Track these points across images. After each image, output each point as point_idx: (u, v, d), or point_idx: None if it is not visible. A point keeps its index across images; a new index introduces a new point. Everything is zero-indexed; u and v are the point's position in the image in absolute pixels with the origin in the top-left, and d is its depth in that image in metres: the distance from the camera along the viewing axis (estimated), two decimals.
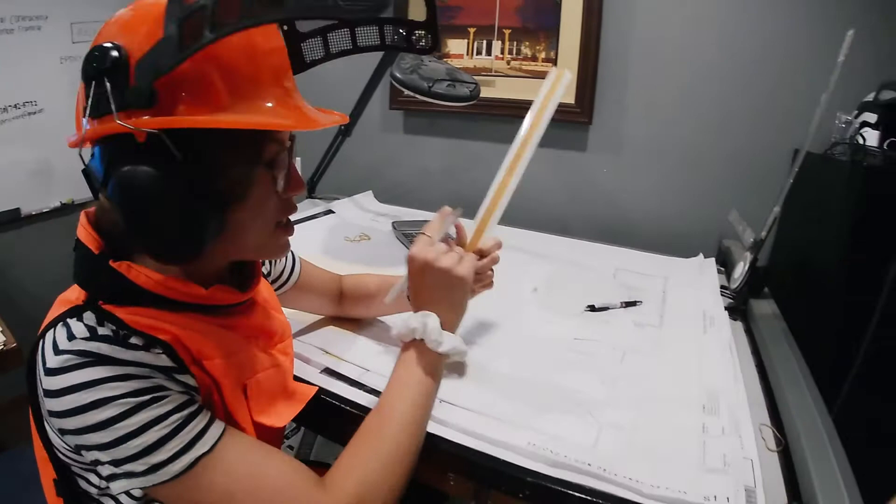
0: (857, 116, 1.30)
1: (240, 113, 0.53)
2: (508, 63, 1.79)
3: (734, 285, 1.25)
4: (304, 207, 1.79)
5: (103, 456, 0.52)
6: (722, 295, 1.25)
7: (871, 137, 1.24)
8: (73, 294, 0.59)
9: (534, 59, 1.75)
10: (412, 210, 1.84)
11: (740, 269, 1.22)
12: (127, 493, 0.58)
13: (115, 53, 0.49)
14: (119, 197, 0.51)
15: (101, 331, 0.53)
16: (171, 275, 0.58)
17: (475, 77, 1.68)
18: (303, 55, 0.63)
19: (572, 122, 1.75)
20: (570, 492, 0.67)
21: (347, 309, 1.02)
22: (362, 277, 1.03)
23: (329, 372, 0.90)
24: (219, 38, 0.46)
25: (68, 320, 0.55)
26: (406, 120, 2.04)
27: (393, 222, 1.62)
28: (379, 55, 1.44)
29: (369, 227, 1.62)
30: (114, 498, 0.60)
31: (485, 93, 1.52)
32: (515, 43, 1.75)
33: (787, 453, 0.78)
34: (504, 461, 0.71)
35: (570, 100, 1.72)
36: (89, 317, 0.55)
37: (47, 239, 2.17)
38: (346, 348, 0.96)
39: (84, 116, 0.51)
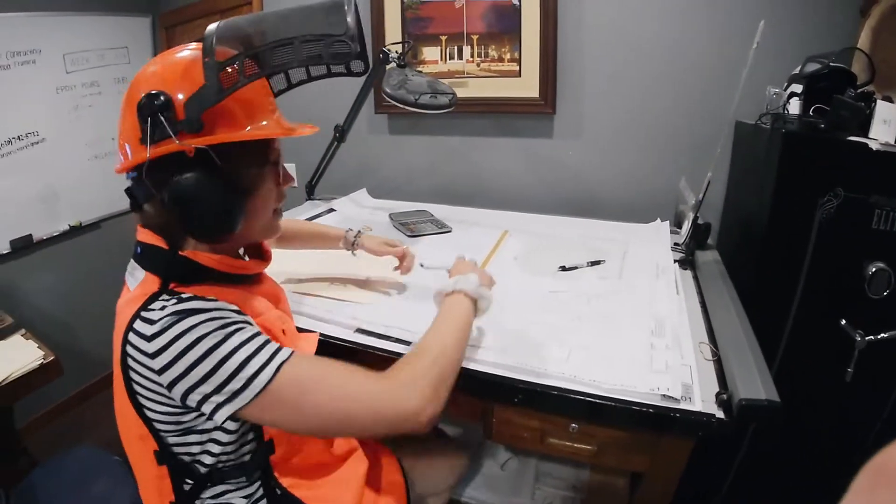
0: (786, 88, 1.47)
1: (253, 130, 0.75)
2: (478, 65, 1.99)
3: (681, 241, 1.48)
4: (307, 209, 1.99)
5: (208, 386, 0.66)
6: (674, 250, 1.48)
7: (796, 106, 1.40)
8: (138, 291, 0.73)
9: (500, 59, 1.95)
10: (403, 202, 2.05)
11: (685, 227, 1.45)
12: (224, 429, 0.75)
13: (163, 98, 0.69)
14: (180, 197, 0.70)
15: (184, 296, 0.71)
16: (224, 254, 0.78)
17: (449, 79, 1.88)
18: (271, 86, 0.86)
19: (538, 112, 1.94)
20: (551, 392, 0.90)
21: (284, 245, 1.28)
22: (294, 224, 1.33)
23: (361, 331, 1.12)
24: (245, 85, 0.70)
25: (150, 305, 0.69)
26: (390, 122, 2.24)
27: (389, 214, 1.83)
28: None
29: (369, 220, 1.83)
30: (210, 451, 0.76)
31: (459, 93, 1.71)
32: (483, 47, 1.96)
33: (721, 363, 1.00)
34: (501, 376, 0.94)
35: (535, 94, 1.92)
36: (166, 297, 0.71)
37: (58, 260, 2.31)
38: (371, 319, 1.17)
39: (141, 144, 0.70)
